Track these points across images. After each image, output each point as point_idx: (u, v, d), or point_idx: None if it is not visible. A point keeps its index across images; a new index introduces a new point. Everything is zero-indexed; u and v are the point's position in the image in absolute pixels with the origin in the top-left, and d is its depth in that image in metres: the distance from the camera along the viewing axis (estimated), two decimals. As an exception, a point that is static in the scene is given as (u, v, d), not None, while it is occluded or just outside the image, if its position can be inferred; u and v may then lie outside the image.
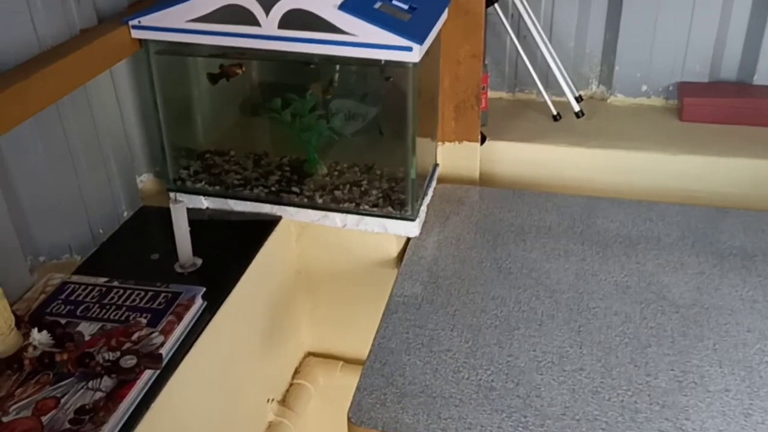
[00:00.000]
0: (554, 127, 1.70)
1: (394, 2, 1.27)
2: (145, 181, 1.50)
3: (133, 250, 1.30)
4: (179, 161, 1.38)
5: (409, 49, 1.17)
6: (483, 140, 1.65)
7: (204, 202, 1.42)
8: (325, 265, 1.48)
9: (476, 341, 1.16)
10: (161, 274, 1.22)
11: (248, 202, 1.35)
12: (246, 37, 1.22)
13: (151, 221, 1.39)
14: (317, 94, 1.38)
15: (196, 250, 1.24)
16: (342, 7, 1.16)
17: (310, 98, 1.38)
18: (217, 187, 1.42)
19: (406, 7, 1.27)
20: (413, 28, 1.20)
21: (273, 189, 1.41)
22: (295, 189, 1.40)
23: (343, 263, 1.47)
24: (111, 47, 1.21)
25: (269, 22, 1.20)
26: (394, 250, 1.44)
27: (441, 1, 1.39)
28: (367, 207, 1.36)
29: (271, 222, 1.39)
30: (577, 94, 1.77)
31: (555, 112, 1.76)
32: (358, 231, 1.38)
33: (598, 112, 1.75)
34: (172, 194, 1.42)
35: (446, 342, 1.17)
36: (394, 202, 1.36)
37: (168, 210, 1.20)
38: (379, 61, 1.20)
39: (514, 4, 1.73)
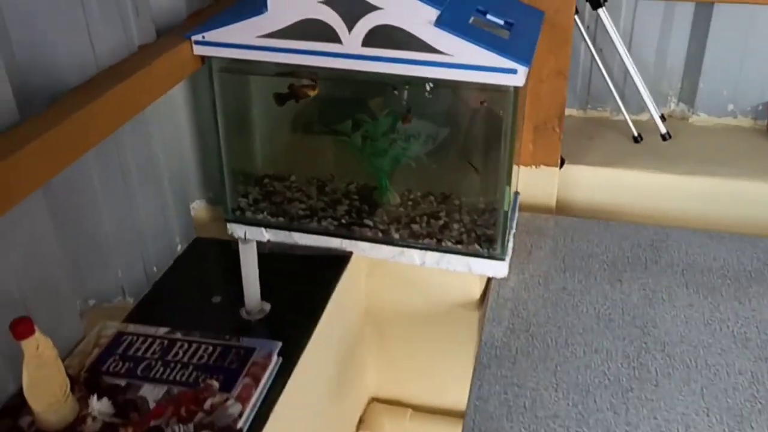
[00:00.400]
0: (635, 149, 1.56)
1: (489, 17, 1.13)
2: (197, 208, 1.36)
3: (191, 291, 1.16)
4: (237, 188, 1.25)
5: (513, 71, 1.03)
6: (561, 164, 1.51)
7: (265, 235, 1.29)
8: (396, 304, 1.34)
9: (586, 405, 1.02)
10: (226, 322, 1.08)
11: (315, 236, 1.21)
12: (325, 56, 1.08)
13: (208, 256, 1.26)
14: (392, 116, 1.23)
15: (261, 292, 1.10)
16: (439, 24, 1.02)
17: (384, 120, 1.24)
18: (280, 219, 1.28)
19: (502, 22, 1.13)
20: (515, 47, 1.06)
21: (343, 221, 1.26)
22: (368, 222, 1.26)
23: (415, 302, 1.33)
24: (173, 65, 1.07)
25: (352, 39, 1.06)
26: (475, 289, 1.30)
27: (534, 14, 1.24)
28: (449, 243, 1.22)
29: (341, 258, 1.25)
30: (659, 113, 1.62)
31: (636, 133, 1.62)
32: (438, 270, 1.24)
33: (679, 133, 1.61)
34: (231, 227, 1.28)
35: (551, 405, 1.03)
36: (480, 238, 1.21)
37: (226, 243, 1.07)
38: (475, 83, 1.06)
39: (591, 13, 1.58)
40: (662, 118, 1.63)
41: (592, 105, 1.75)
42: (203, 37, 1.11)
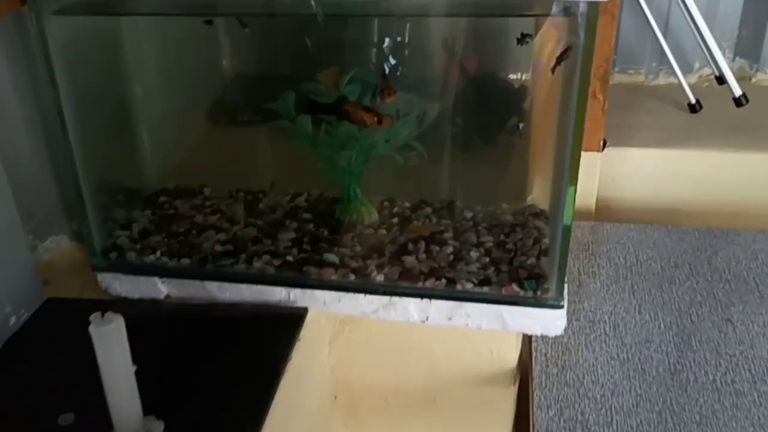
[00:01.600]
0: (694, 121, 1.10)
1: None
2: (52, 249, 0.84)
3: (26, 404, 0.65)
4: (111, 214, 0.74)
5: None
6: (603, 147, 1.05)
7: (162, 288, 0.78)
8: (381, 387, 0.85)
9: None
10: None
11: (244, 285, 0.71)
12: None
13: (62, 333, 0.74)
14: (361, 85, 0.75)
15: (153, 391, 0.60)
16: None
17: (351, 88, 0.75)
18: (186, 260, 0.78)
19: None
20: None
21: (289, 258, 0.77)
22: (330, 256, 0.77)
23: (412, 382, 0.85)
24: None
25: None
26: (508, 355, 0.82)
27: None
28: (467, 284, 0.74)
29: (290, 319, 0.76)
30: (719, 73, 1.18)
31: (693, 99, 1.17)
32: (448, 328, 0.76)
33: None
34: (104, 280, 0.78)
35: None
36: (519, 273, 0.73)
37: (98, 306, 0.56)
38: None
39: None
40: (719, 79, 1.18)
41: (620, 67, 1.29)
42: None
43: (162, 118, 0.92)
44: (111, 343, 0.57)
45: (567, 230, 0.69)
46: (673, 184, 1.11)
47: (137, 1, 0.72)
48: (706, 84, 1.28)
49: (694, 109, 1.18)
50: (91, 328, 0.55)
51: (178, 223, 0.83)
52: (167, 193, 0.88)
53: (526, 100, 0.98)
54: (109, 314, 0.58)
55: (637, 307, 0.85)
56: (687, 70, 1.25)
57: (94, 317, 0.57)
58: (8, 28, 0.75)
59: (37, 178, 0.83)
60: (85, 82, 0.77)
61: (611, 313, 0.85)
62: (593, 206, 1.06)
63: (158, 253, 0.78)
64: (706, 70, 1.29)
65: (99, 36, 0.80)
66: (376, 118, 0.72)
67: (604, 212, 1.11)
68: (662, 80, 1.29)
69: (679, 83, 1.16)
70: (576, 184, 0.68)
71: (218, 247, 0.79)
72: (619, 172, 1.10)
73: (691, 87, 1.20)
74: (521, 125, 0.80)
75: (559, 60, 0.64)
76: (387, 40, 0.77)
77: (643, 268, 0.92)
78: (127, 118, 0.87)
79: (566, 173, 0.69)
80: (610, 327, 0.83)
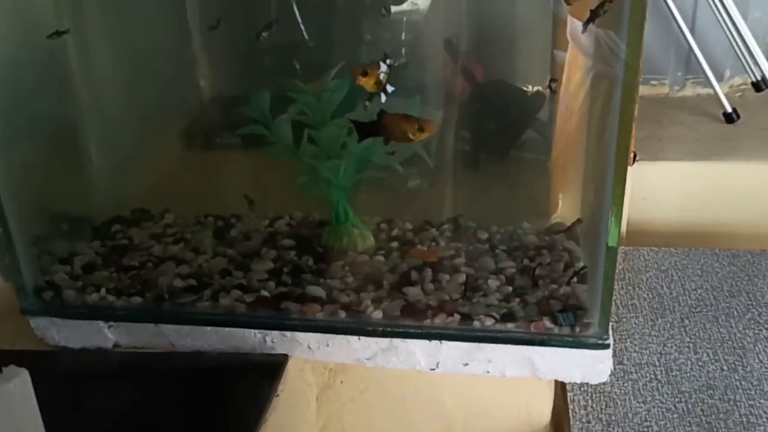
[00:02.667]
0: (732, 132, 0.97)
1: None
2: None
3: None
4: (48, 246, 0.60)
5: None
6: (633, 160, 0.92)
7: (109, 335, 0.64)
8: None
9: None
10: None
11: (210, 328, 0.57)
12: None
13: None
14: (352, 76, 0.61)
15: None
16: None
17: (337, 86, 0.62)
18: (137, 299, 0.63)
19: None
20: None
21: (264, 293, 0.62)
22: (316, 289, 0.62)
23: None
24: None
25: None
26: (541, 407, 0.66)
27: None
28: (490, 323, 0.59)
29: (266, 368, 0.61)
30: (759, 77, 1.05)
31: (729, 108, 1.04)
32: (463, 376, 0.61)
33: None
34: (37, 325, 0.63)
35: None
36: (551, 305, 0.59)
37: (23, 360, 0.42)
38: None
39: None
40: (758, 85, 1.06)
41: (642, 77, 1.17)
42: None
43: (119, 138, 0.79)
44: (12, 405, 0.42)
45: (612, 252, 0.55)
46: (714, 200, 0.97)
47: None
48: (739, 94, 1.16)
49: (731, 118, 1.04)
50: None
51: (132, 255, 0.69)
52: (122, 221, 0.74)
53: (541, 108, 0.86)
54: (10, 369, 0.43)
55: (691, 345, 0.70)
56: (717, 78, 1.13)
57: (-6, 377, 0.42)
58: None
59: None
60: (16, 90, 0.63)
61: (660, 354, 0.70)
62: (624, 229, 0.92)
63: (103, 291, 0.64)
64: (737, 80, 1.17)
65: (33, 37, 0.67)
66: (416, 125, 0.58)
67: (638, 236, 0.97)
68: (689, 91, 1.17)
69: (714, 92, 1.04)
70: (623, 198, 0.55)
71: (178, 282, 0.65)
72: (651, 189, 0.97)
73: (709, 98, 1.08)
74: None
75: (595, 13, 0.51)
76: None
77: (692, 299, 0.77)
78: (73, 137, 0.73)
79: (609, 185, 0.55)
80: (661, 371, 0.67)
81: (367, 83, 0.56)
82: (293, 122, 0.66)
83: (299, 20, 0.68)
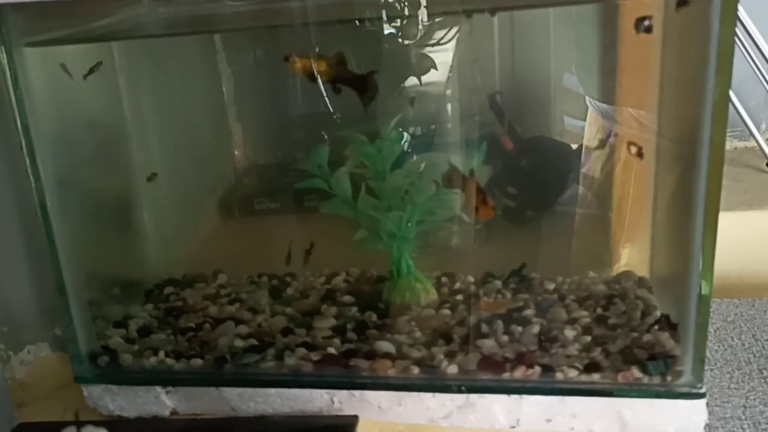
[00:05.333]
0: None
1: None
2: (30, 362, 0.67)
3: None
4: (101, 311, 0.57)
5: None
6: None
7: (166, 401, 0.60)
8: None
9: None
10: None
11: (274, 390, 0.53)
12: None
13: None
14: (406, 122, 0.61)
15: None
16: None
17: (398, 136, 0.61)
18: (197, 361, 0.60)
19: None
20: None
21: (331, 350, 0.59)
22: (385, 344, 0.59)
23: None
24: None
25: None
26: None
27: None
28: (574, 374, 0.56)
29: (336, 431, 0.57)
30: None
31: (772, 157, 1.03)
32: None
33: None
34: (90, 394, 0.60)
35: None
36: (637, 353, 0.56)
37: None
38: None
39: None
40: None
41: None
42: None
43: (169, 203, 0.78)
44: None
45: (706, 300, 0.53)
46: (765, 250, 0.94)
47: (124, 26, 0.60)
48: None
49: (773, 167, 1.03)
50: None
51: (188, 317, 0.65)
52: (174, 283, 0.72)
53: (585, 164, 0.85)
54: (89, 428, 0.40)
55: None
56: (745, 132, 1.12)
57: (67, 433, 0.39)
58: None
59: (7, 274, 0.67)
60: (74, 159, 0.63)
61: (744, 407, 0.65)
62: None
63: (161, 354, 0.61)
64: (772, 131, 1.17)
65: (89, 110, 0.67)
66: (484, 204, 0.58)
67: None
68: (726, 144, 1.16)
69: (754, 142, 1.02)
70: (714, 249, 0.54)
71: (239, 342, 0.61)
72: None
73: (748, 150, 1.08)
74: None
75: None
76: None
77: (767, 350, 0.73)
78: (126, 203, 0.72)
79: (698, 234, 0.54)
80: (748, 425, 0.63)
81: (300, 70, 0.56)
82: (351, 175, 0.65)
83: (323, 93, 0.67)
